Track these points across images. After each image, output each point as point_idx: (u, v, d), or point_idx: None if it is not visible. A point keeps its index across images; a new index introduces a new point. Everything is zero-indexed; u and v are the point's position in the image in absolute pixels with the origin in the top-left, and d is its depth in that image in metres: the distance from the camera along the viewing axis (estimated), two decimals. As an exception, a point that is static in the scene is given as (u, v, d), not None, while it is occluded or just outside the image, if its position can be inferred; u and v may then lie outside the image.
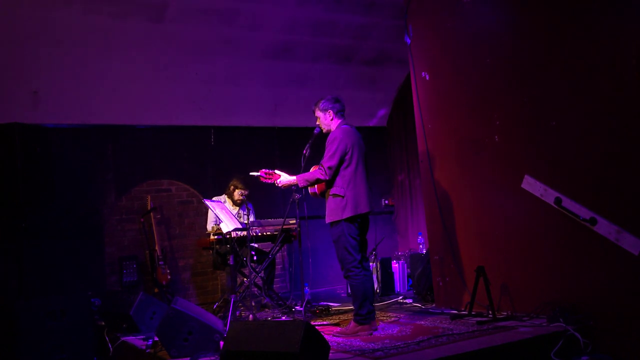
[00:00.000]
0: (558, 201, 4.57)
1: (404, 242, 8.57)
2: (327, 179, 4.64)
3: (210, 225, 6.49)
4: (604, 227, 4.28)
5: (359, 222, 4.69)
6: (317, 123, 4.91)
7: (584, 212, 4.40)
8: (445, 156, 5.64)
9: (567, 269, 4.57)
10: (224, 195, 6.67)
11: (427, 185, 5.82)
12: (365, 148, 4.86)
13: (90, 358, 4.92)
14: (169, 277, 6.83)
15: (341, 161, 4.63)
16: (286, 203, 5.57)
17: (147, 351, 4.48)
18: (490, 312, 4.88)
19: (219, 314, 5.72)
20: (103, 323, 5.46)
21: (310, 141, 5.05)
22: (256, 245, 6.30)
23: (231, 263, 5.89)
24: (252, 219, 6.31)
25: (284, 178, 4.93)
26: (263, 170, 5.09)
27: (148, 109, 7.04)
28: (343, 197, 4.60)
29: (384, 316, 5.41)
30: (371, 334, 4.58)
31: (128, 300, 5.27)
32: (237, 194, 6.55)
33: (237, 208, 6.61)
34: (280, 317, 5.62)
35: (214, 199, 6.51)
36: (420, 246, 7.36)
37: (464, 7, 5.38)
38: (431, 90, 5.77)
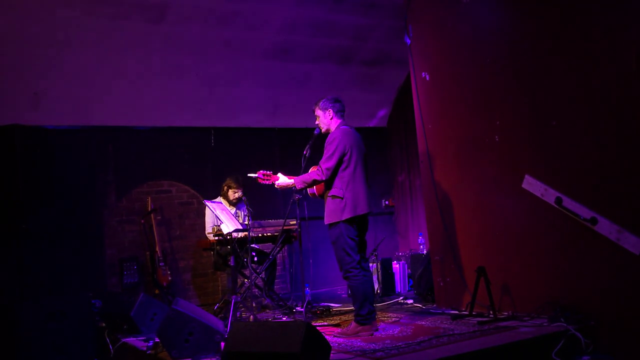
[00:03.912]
0: (559, 201, 4.57)
1: (405, 242, 8.56)
2: (324, 179, 4.65)
3: (209, 229, 6.47)
4: (605, 227, 4.28)
5: (358, 223, 4.69)
6: (317, 122, 4.92)
7: (584, 212, 4.39)
8: (445, 156, 5.63)
9: (568, 268, 4.57)
10: (219, 197, 6.64)
11: (427, 186, 5.82)
12: (366, 149, 4.86)
13: (90, 359, 4.92)
14: (169, 278, 6.82)
15: (340, 162, 4.63)
16: (286, 204, 5.57)
17: (147, 352, 4.48)
18: (491, 312, 4.89)
19: (220, 315, 5.71)
20: (104, 324, 5.45)
21: (310, 142, 5.05)
22: (257, 246, 6.29)
23: (232, 264, 5.88)
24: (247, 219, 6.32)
25: (282, 180, 4.94)
26: (260, 171, 5.10)
27: (148, 110, 7.04)
28: (342, 198, 4.60)
29: (384, 317, 5.41)
30: (372, 335, 4.57)
31: (129, 301, 5.27)
32: (231, 194, 6.53)
33: (234, 208, 6.58)
34: (281, 318, 5.62)
35: (213, 200, 6.50)
36: (421, 246, 7.35)
37: (464, 7, 5.38)
38: (431, 90, 5.77)
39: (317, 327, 3.96)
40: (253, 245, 6.01)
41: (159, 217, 7.14)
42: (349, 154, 4.64)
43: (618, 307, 4.22)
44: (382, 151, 8.91)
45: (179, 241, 7.28)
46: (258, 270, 6.09)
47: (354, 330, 4.62)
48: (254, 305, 5.63)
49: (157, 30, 6.43)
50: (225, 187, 6.59)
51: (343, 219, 4.59)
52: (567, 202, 4.52)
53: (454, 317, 5.03)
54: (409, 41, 5.95)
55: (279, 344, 3.38)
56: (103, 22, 6.13)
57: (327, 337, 3.82)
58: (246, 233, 5.83)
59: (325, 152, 4.67)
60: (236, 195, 6.51)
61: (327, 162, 4.62)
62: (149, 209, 7.01)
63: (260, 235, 6.12)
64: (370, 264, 6.49)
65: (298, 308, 5.87)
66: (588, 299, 4.40)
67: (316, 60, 7.64)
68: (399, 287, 7.00)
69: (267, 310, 6.07)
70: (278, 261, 7.46)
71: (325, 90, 6.21)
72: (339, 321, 5.32)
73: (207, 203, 6.14)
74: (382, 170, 8.82)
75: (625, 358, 4.14)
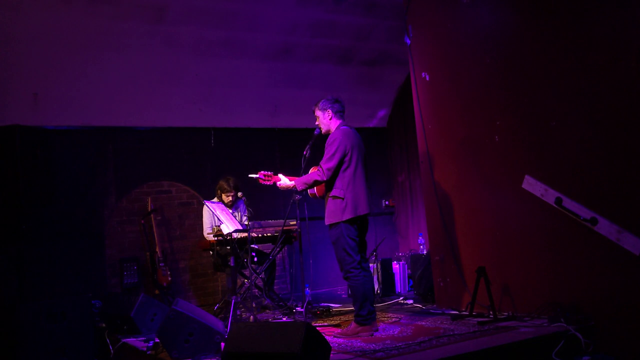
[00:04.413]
0: (559, 201, 4.57)
1: (405, 242, 8.56)
2: (325, 179, 4.65)
3: (207, 229, 6.43)
4: (605, 227, 4.28)
5: (358, 224, 4.69)
6: (317, 123, 4.92)
7: (584, 212, 4.39)
8: (445, 157, 5.63)
9: (568, 269, 4.57)
10: (215, 198, 6.61)
11: (427, 186, 5.82)
12: (365, 149, 4.86)
13: (90, 360, 4.93)
14: (169, 278, 6.82)
15: (340, 163, 4.63)
16: (286, 204, 5.57)
17: (148, 353, 4.48)
18: (491, 312, 4.88)
19: (220, 316, 5.71)
20: (104, 325, 5.46)
21: (310, 142, 5.05)
22: (257, 247, 6.29)
23: (232, 264, 5.88)
24: (244, 219, 6.29)
25: (283, 182, 4.94)
26: (261, 172, 5.10)
27: (148, 111, 7.04)
28: (343, 198, 4.60)
29: (384, 317, 5.41)
30: (372, 335, 4.58)
31: (129, 301, 5.27)
32: (224, 198, 6.48)
33: (230, 209, 6.54)
34: (281, 318, 5.62)
35: (213, 201, 6.48)
36: (421, 247, 7.35)
37: (463, 8, 5.38)
38: (431, 90, 5.77)
39: (317, 328, 3.96)
40: (253, 246, 6.00)
41: (159, 218, 7.14)
42: (349, 154, 4.64)
43: (618, 307, 4.22)
44: (382, 152, 8.91)
45: (179, 241, 7.28)
46: (258, 271, 6.08)
47: (354, 330, 4.62)
48: (254, 305, 5.62)
49: (157, 30, 6.43)
50: (218, 191, 6.52)
51: (344, 219, 4.59)
52: (567, 203, 4.52)
53: (454, 318, 5.03)
54: (409, 41, 5.95)
55: (279, 345, 3.38)
56: (103, 22, 6.13)
57: (327, 337, 3.82)
58: (246, 233, 5.82)
59: (325, 152, 4.67)
60: (229, 198, 6.46)
61: (328, 163, 4.62)
62: (149, 210, 7.01)
63: (260, 235, 6.12)
64: (370, 264, 6.49)
65: (298, 308, 5.86)
66: (588, 299, 4.40)
67: (316, 60, 7.64)
68: (399, 288, 7.00)
69: (267, 311, 6.07)
70: (278, 262, 7.46)
71: (325, 90, 6.21)
72: (339, 321, 5.32)
73: (207, 203, 6.13)
74: (382, 171, 8.82)
75: (625, 358, 4.14)
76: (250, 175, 5.22)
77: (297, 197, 5.55)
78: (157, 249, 6.90)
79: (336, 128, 4.79)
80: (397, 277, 7.00)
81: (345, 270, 4.65)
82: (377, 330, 4.69)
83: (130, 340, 4.95)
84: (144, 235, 6.97)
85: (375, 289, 6.60)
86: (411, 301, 6.24)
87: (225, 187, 6.44)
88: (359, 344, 4.31)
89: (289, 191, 5.17)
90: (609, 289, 4.28)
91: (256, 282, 6.03)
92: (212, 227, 6.22)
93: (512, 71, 4.98)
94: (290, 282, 7.76)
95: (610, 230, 4.24)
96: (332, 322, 5.30)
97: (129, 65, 6.60)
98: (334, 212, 4.64)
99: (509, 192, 5.02)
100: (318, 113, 4.88)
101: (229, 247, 5.91)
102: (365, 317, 4.61)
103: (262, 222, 6.16)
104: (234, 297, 5.37)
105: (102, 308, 5.64)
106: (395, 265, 7.04)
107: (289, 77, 7.66)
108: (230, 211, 6.46)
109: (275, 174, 5.09)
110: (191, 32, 6.62)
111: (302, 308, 5.59)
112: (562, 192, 4.57)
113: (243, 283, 6.29)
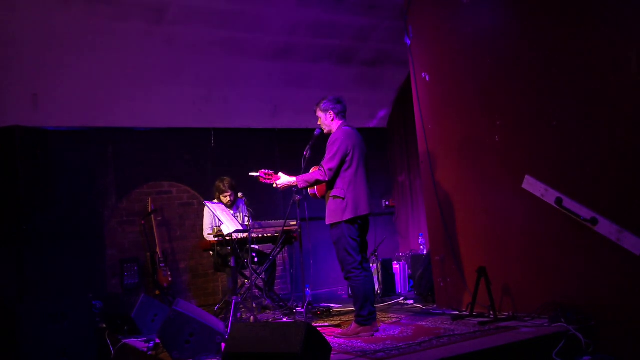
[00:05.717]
0: (559, 201, 4.57)
1: (405, 243, 8.56)
2: (327, 179, 4.65)
3: (208, 230, 6.42)
4: (605, 227, 4.27)
5: (359, 224, 4.68)
6: (318, 123, 4.92)
7: (585, 212, 4.39)
8: (445, 157, 5.63)
9: (568, 269, 4.57)
10: (215, 199, 6.60)
11: (427, 186, 5.82)
12: (366, 149, 4.86)
13: (91, 360, 4.93)
14: (170, 279, 6.82)
15: (342, 163, 4.63)
16: (287, 204, 5.57)
17: (148, 353, 4.48)
18: (491, 312, 4.88)
19: (220, 316, 5.71)
20: (104, 325, 5.45)
21: (310, 142, 5.05)
22: (257, 247, 6.28)
23: (232, 265, 5.88)
24: (245, 220, 6.29)
25: (284, 179, 4.94)
26: (262, 170, 5.10)
27: (148, 111, 7.04)
28: (343, 198, 4.60)
29: (385, 317, 5.41)
30: (372, 335, 4.57)
31: (129, 302, 5.27)
32: (222, 199, 6.48)
33: (231, 210, 6.54)
34: (281, 319, 5.61)
35: (213, 201, 6.47)
36: (421, 247, 7.35)
37: (463, 8, 5.38)
38: (431, 90, 5.77)
39: (318, 328, 3.96)
40: (253, 246, 6.00)
41: (159, 218, 7.14)
42: (351, 154, 4.64)
43: (618, 307, 4.22)
44: (382, 152, 8.91)
45: (179, 242, 7.28)
46: (258, 271, 6.08)
47: (355, 330, 4.62)
48: (254, 306, 5.62)
49: (157, 30, 6.43)
50: (217, 194, 6.52)
51: (344, 219, 4.59)
52: (568, 203, 4.52)
53: (455, 318, 5.03)
54: (409, 41, 5.95)
55: (280, 345, 3.38)
56: (102, 23, 6.13)
57: (327, 337, 3.81)
58: (246, 234, 5.82)
59: (327, 152, 4.67)
60: (227, 198, 6.44)
61: (329, 163, 4.62)
62: (150, 210, 7.01)
63: (260, 236, 6.11)
64: (371, 265, 6.49)
65: (298, 309, 5.86)
66: (588, 299, 4.40)
67: (316, 60, 7.64)
68: (399, 288, 7.00)
69: (268, 311, 6.06)
70: (278, 262, 7.45)
71: (326, 91, 6.20)
72: (339, 322, 5.32)
73: (207, 204, 6.12)
74: (382, 171, 8.82)
75: (626, 358, 4.14)
76: (251, 174, 5.22)
77: (298, 197, 5.55)
78: (158, 250, 6.90)
79: (337, 128, 4.79)
80: (397, 277, 7.00)
81: (346, 270, 4.65)
82: (377, 330, 4.68)
83: (131, 341, 4.95)
84: (145, 235, 6.97)
85: (376, 289, 6.60)
86: (411, 301, 6.24)
87: (221, 187, 6.43)
88: (359, 344, 4.31)
89: (289, 191, 5.17)
90: (609, 289, 4.28)
91: (256, 282, 6.03)
92: (212, 227, 6.21)
93: (513, 71, 4.98)
94: (291, 282, 7.76)
95: (611, 230, 4.24)
96: (333, 323, 5.30)
97: (129, 65, 6.60)
98: (334, 212, 4.64)
99: (509, 192, 5.02)
100: (320, 114, 4.87)
101: (229, 248, 5.92)
102: (366, 317, 4.61)
103: (263, 222, 6.15)
104: (234, 297, 5.37)
105: (102, 308, 5.64)
106: (396, 266, 7.04)
107: (289, 77, 7.66)
108: (231, 212, 6.45)
109: (276, 173, 5.09)
110: (191, 32, 6.62)
111: (302, 308, 5.59)
112: (562, 192, 4.57)
113: (243, 283, 6.28)
